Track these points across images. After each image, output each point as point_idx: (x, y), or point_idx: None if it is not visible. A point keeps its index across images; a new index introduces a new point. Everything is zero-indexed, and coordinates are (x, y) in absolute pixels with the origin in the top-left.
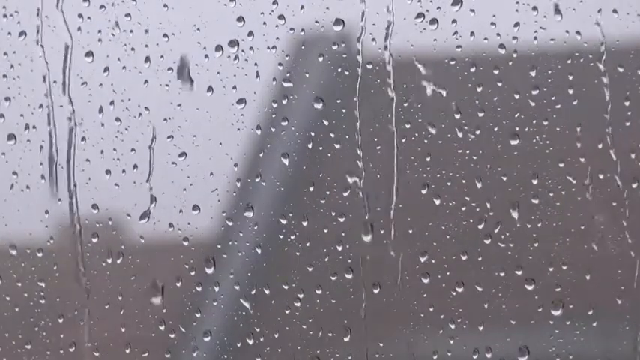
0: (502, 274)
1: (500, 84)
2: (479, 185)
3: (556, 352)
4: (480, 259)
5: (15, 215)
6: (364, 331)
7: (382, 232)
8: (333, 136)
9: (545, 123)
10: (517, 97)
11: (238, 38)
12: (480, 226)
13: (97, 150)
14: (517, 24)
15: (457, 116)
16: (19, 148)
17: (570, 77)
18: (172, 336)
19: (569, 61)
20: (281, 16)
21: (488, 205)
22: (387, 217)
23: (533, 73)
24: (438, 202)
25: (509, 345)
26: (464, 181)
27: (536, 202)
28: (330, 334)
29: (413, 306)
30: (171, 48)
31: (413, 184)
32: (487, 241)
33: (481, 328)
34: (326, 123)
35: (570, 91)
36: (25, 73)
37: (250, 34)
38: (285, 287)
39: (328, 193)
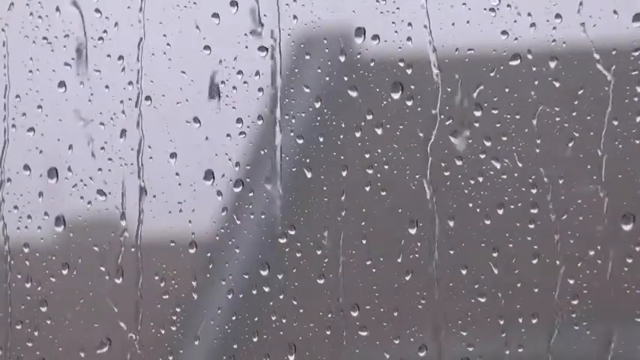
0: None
1: (500, 85)
2: (487, 184)
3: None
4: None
5: (14, 214)
6: (371, 333)
7: (380, 233)
8: (333, 136)
9: (544, 124)
10: (517, 97)
11: (238, 37)
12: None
13: (96, 150)
14: (517, 25)
15: (458, 117)
16: (18, 147)
17: (570, 78)
18: (172, 337)
19: (569, 62)
20: (282, 16)
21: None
22: (386, 218)
23: (533, 75)
24: (439, 205)
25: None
26: (471, 181)
27: (535, 210)
28: (330, 335)
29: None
30: (171, 48)
31: (413, 184)
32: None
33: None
34: (327, 123)
35: (570, 92)
36: (24, 72)
37: (250, 33)
38: (286, 287)
39: (328, 192)
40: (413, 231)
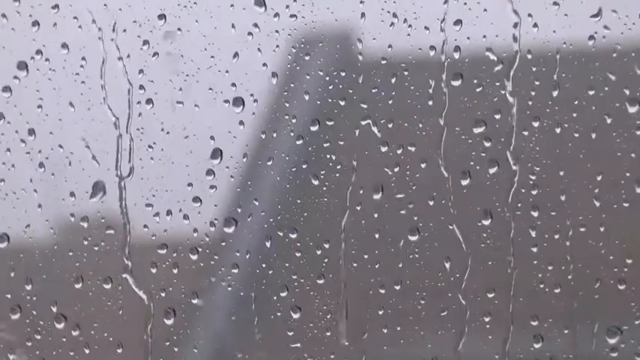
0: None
1: (500, 85)
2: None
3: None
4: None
5: (14, 214)
6: (371, 333)
7: (378, 235)
8: (334, 136)
9: (545, 124)
10: (517, 97)
11: (238, 37)
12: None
13: (97, 150)
14: (517, 25)
15: (459, 117)
16: (17, 147)
17: (570, 78)
18: (172, 337)
19: (569, 62)
20: (282, 16)
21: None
22: (386, 218)
23: (533, 74)
24: (443, 202)
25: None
26: (471, 182)
27: (535, 213)
28: (330, 335)
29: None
30: (171, 48)
31: (412, 184)
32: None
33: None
34: (327, 123)
35: (570, 92)
36: (26, 75)
37: (250, 34)
38: (285, 288)
39: (328, 193)
40: (413, 232)
